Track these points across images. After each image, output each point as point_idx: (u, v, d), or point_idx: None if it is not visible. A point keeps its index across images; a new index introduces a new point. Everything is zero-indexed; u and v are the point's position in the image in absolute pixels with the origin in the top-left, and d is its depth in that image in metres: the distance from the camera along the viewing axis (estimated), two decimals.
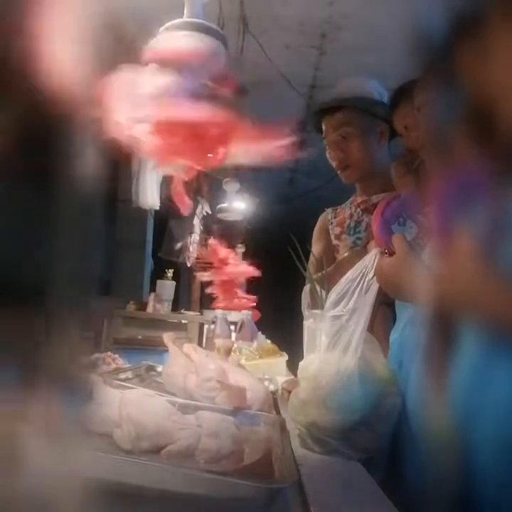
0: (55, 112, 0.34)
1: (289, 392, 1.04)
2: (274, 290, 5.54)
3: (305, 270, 1.13)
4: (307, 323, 0.98)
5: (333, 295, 0.91)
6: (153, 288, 3.61)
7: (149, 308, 3.32)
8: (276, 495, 0.60)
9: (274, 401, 1.13)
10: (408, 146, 1.27)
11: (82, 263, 0.37)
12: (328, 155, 1.55)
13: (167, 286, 3.44)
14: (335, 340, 0.88)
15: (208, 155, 0.75)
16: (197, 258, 3.73)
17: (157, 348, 2.20)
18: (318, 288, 1.01)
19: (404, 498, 0.71)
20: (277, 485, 0.62)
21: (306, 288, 1.09)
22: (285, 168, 4.73)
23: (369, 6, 2.44)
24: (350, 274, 0.92)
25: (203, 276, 2.75)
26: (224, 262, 2.67)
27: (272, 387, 1.36)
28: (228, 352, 1.45)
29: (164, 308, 3.34)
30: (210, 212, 3.71)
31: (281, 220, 4.72)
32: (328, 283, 0.99)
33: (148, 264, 4.37)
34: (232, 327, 2.15)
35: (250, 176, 3.25)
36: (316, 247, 1.60)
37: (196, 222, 3.78)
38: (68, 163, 0.35)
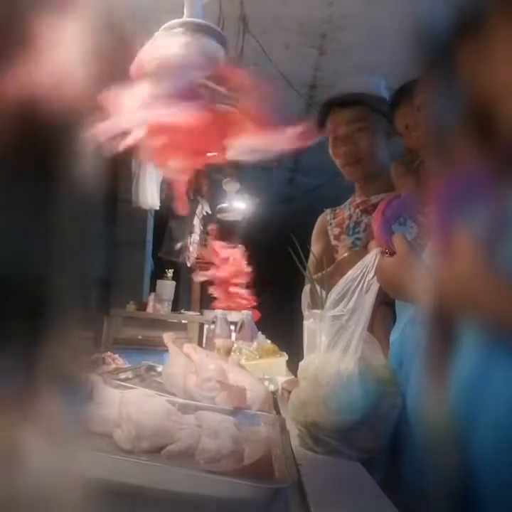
0: (56, 113, 0.34)
1: (289, 392, 1.04)
2: (274, 290, 5.54)
3: (305, 270, 1.13)
4: (307, 323, 0.98)
5: (333, 295, 0.91)
6: (153, 288, 3.61)
7: (149, 308, 3.32)
8: (276, 495, 0.60)
9: (274, 401, 1.13)
10: (408, 146, 1.27)
11: (82, 263, 0.37)
12: (333, 150, 1.53)
13: (167, 286, 3.44)
14: (335, 340, 0.88)
15: (207, 153, 0.74)
16: (197, 258, 3.73)
17: (157, 348, 2.20)
18: (318, 288, 1.01)
19: (404, 498, 0.71)
20: (277, 485, 0.62)
21: (306, 288, 1.08)
22: (285, 167, 4.74)
23: (369, 6, 2.44)
24: (350, 274, 0.91)
25: (201, 275, 2.76)
26: (225, 262, 2.68)
27: (272, 387, 1.36)
28: (228, 352, 1.45)
29: (164, 308, 3.34)
30: (210, 212, 3.71)
31: (281, 220, 4.72)
32: (328, 283, 0.99)
33: (148, 264, 4.36)
34: (232, 327, 2.15)
35: (250, 176, 3.25)
36: (315, 248, 1.60)
37: (196, 222, 3.78)
38: (68, 164, 0.35)
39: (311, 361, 0.92)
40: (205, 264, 3.00)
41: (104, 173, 0.37)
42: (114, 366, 1.36)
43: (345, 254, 1.45)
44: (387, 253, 0.88)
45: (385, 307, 1.14)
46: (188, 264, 3.79)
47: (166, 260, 3.72)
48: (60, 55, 0.34)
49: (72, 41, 0.35)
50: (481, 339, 0.64)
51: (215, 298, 2.73)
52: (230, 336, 2.06)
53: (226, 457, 0.69)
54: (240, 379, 1.03)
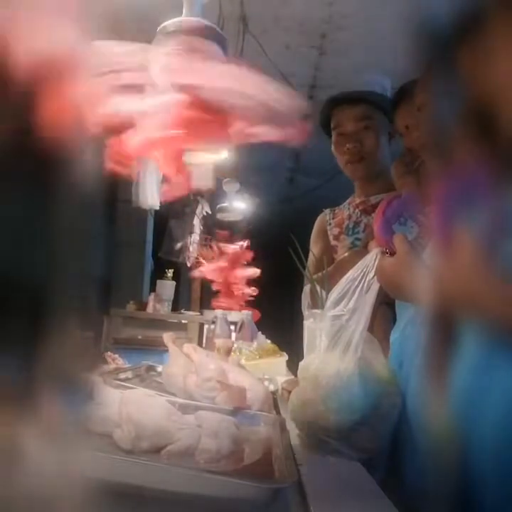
0: (55, 112, 0.34)
1: (289, 392, 1.04)
2: (274, 290, 5.54)
3: (305, 270, 1.13)
4: (307, 323, 0.98)
5: (333, 294, 0.91)
6: (153, 288, 3.61)
7: (149, 308, 3.32)
8: (276, 495, 0.60)
9: (274, 401, 1.13)
10: (409, 146, 1.27)
11: (82, 263, 0.37)
12: (336, 147, 1.52)
13: (167, 286, 3.44)
14: (335, 340, 0.88)
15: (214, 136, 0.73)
16: (197, 258, 3.73)
17: (157, 348, 2.20)
18: (318, 288, 1.01)
19: (404, 498, 0.71)
20: (277, 485, 0.62)
21: (306, 288, 1.08)
22: (285, 167, 4.74)
23: (369, 6, 2.44)
24: (350, 274, 0.91)
25: (202, 273, 2.76)
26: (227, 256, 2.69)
27: (271, 387, 1.36)
28: (228, 352, 1.45)
29: (164, 308, 3.34)
30: (210, 212, 3.71)
31: (281, 220, 4.72)
32: (328, 283, 0.99)
33: (148, 264, 4.37)
34: (232, 327, 2.15)
35: (250, 176, 3.25)
36: (314, 248, 1.60)
37: (196, 222, 3.78)
38: (68, 164, 0.35)
39: (311, 361, 0.92)
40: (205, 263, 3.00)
41: (104, 173, 0.37)
42: (114, 366, 1.36)
43: (346, 254, 1.45)
44: (387, 253, 0.88)
45: (386, 307, 1.14)
46: (188, 264, 3.79)
47: (166, 260, 3.72)
48: (61, 54, 0.34)
49: (72, 41, 0.35)
50: (481, 339, 0.64)
51: (215, 295, 2.74)
52: (230, 336, 2.06)
53: (226, 457, 0.69)
54: (240, 379, 1.03)
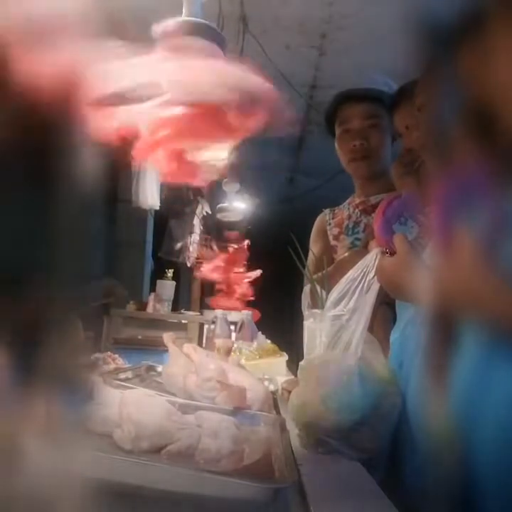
0: (55, 111, 0.34)
1: (289, 392, 1.04)
2: (274, 290, 5.54)
3: (305, 270, 1.13)
4: (307, 323, 0.98)
5: (333, 294, 0.91)
6: (153, 288, 3.61)
7: (149, 308, 3.32)
8: (276, 495, 0.60)
9: (274, 401, 1.13)
10: (409, 147, 1.27)
11: (82, 263, 0.37)
12: (341, 143, 1.51)
13: (167, 286, 3.44)
14: (335, 340, 0.88)
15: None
16: (197, 258, 3.73)
17: (157, 348, 2.20)
18: (318, 288, 1.01)
19: (404, 498, 0.71)
20: (277, 485, 0.62)
21: (306, 288, 1.08)
22: (285, 167, 4.74)
23: (369, 6, 2.44)
24: (351, 274, 0.91)
25: (203, 273, 2.77)
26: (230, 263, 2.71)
27: (272, 387, 1.36)
28: (228, 352, 1.45)
29: (164, 308, 3.34)
30: (210, 212, 3.71)
31: (281, 220, 4.72)
32: (328, 283, 0.99)
33: (148, 264, 4.36)
34: (232, 327, 2.15)
35: (250, 176, 3.25)
36: (314, 248, 1.60)
37: (196, 222, 3.78)
38: (68, 163, 0.35)
39: (311, 361, 0.92)
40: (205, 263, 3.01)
41: (104, 172, 0.37)
42: (114, 366, 1.36)
43: (346, 254, 1.45)
44: (387, 253, 0.88)
45: (386, 307, 1.14)
46: (188, 264, 3.79)
47: (166, 260, 3.72)
48: (61, 54, 0.34)
49: (72, 41, 0.35)
50: (481, 339, 0.64)
51: (215, 293, 2.75)
52: (230, 336, 2.06)
53: (226, 457, 0.69)
54: (240, 379, 1.03)
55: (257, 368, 1.54)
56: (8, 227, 0.33)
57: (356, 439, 0.83)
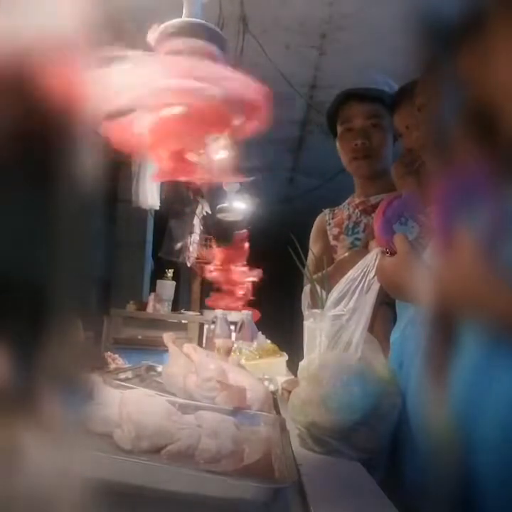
0: (54, 110, 0.34)
1: (289, 392, 1.04)
2: (274, 290, 5.54)
3: (305, 270, 1.13)
4: (307, 323, 0.98)
5: (333, 294, 0.91)
6: (153, 288, 3.61)
7: (149, 308, 3.32)
8: (276, 495, 0.60)
9: (274, 401, 1.13)
10: (409, 147, 1.27)
11: (82, 263, 0.37)
12: (343, 142, 1.51)
13: (167, 286, 3.44)
14: (335, 340, 0.88)
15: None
16: (197, 258, 3.73)
17: (157, 348, 2.20)
18: (318, 288, 1.01)
19: (404, 498, 0.71)
20: (277, 485, 0.62)
21: (306, 288, 1.08)
22: (285, 167, 4.74)
23: (369, 6, 2.44)
24: (351, 274, 0.92)
25: (203, 273, 2.78)
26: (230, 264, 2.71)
27: (272, 387, 1.36)
28: (228, 352, 1.45)
29: (164, 308, 3.34)
30: (210, 212, 3.71)
31: (281, 220, 4.72)
32: (328, 283, 0.99)
33: (148, 264, 4.36)
34: (232, 327, 2.15)
35: (250, 176, 3.25)
36: (314, 248, 1.60)
37: (196, 222, 3.78)
38: (68, 163, 0.35)
39: (311, 361, 0.92)
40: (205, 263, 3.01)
41: (104, 172, 0.37)
42: (114, 366, 1.36)
43: (346, 254, 1.45)
44: (387, 253, 0.88)
45: (386, 307, 1.14)
46: (188, 264, 3.79)
47: (166, 260, 3.72)
48: (61, 53, 0.34)
49: (72, 41, 0.35)
50: (482, 339, 0.64)
51: (215, 292, 2.75)
52: (230, 336, 2.06)
53: (226, 457, 0.69)
54: (240, 379, 1.03)
55: (257, 368, 1.54)
56: (7, 227, 0.33)
57: (356, 439, 0.83)
